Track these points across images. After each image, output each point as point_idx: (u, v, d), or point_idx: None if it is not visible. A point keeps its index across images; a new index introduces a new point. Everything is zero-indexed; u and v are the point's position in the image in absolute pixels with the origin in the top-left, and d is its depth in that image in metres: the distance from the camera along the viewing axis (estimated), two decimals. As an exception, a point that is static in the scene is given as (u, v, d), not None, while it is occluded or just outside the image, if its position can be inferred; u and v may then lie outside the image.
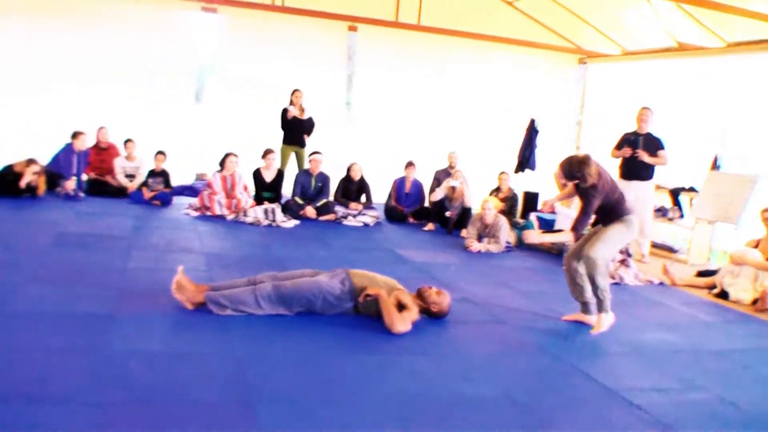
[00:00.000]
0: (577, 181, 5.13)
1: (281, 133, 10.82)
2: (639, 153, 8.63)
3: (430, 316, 5.16)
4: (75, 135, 9.92)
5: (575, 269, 5.37)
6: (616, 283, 7.28)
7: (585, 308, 5.46)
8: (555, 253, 8.50)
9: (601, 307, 5.20)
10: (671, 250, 9.60)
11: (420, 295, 5.12)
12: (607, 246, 5.13)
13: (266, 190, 9.76)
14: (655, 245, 9.54)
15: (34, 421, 2.96)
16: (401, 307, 4.87)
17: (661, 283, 7.58)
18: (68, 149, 9.93)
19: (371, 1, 12.07)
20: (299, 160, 10.90)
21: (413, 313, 4.89)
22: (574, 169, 5.07)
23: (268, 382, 3.65)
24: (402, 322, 4.73)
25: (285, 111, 10.65)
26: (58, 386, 3.33)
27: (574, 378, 4.24)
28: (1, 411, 3.02)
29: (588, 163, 5.03)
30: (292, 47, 12.04)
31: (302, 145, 10.87)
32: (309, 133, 10.84)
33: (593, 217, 5.29)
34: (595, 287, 5.15)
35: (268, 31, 11.91)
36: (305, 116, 10.63)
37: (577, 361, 4.53)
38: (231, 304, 4.73)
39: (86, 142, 10.13)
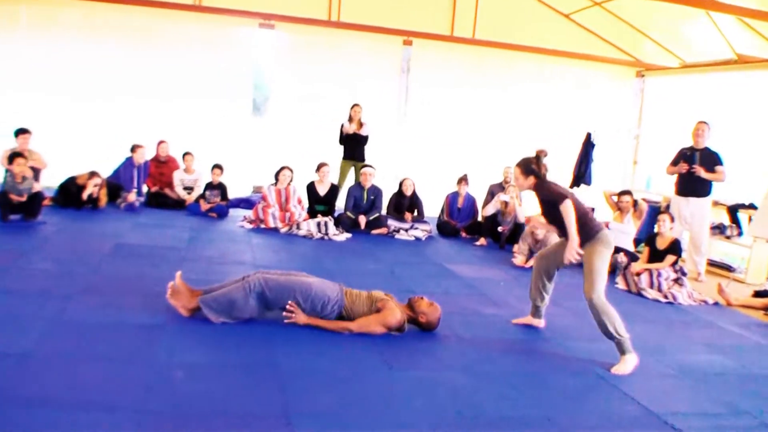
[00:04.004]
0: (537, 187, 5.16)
1: (339, 147, 10.90)
2: (695, 169, 8.48)
3: (418, 326, 5.13)
4: (134, 148, 10.26)
5: (542, 277, 5.49)
6: (669, 303, 7.18)
7: (536, 312, 5.64)
8: (607, 270, 8.39)
9: (621, 349, 4.84)
10: (729, 268, 9.40)
11: (410, 305, 5.13)
12: (599, 279, 4.93)
13: (319, 203, 9.86)
14: (711, 263, 9.35)
15: (80, 427, 3.09)
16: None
17: (715, 303, 7.43)
18: (128, 162, 10.26)
19: (426, 16, 12.17)
20: (358, 174, 10.91)
21: (385, 316, 4.92)
22: (531, 162, 5.17)
23: (308, 396, 3.72)
24: (351, 327, 4.87)
25: (342, 126, 10.73)
26: (104, 394, 3.47)
27: (616, 400, 4.20)
28: (50, 416, 3.16)
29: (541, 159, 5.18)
30: (348, 61, 12.23)
31: (361, 159, 10.85)
32: (365, 144, 10.84)
33: (553, 229, 5.35)
34: (606, 330, 4.81)
35: (323, 45, 12.13)
36: (364, 131, 10.65)
37: (622, 383, 4.48)
38: (222, 307, 4.78)
39: (145, 155, 10.45)
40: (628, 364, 4.77)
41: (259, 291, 4.80)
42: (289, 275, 5.08)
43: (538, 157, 5.21)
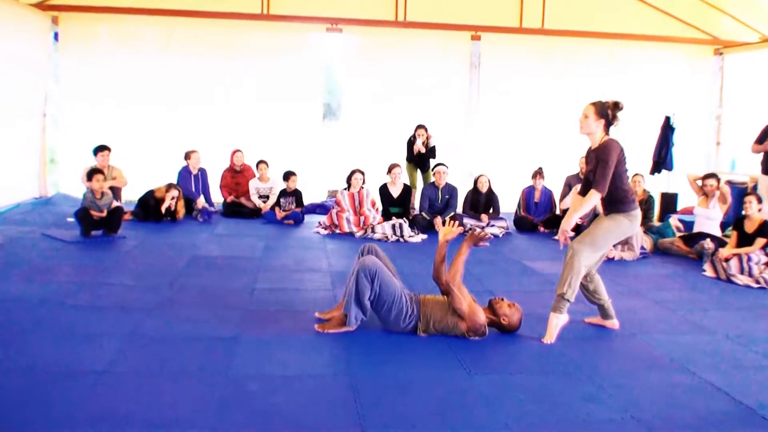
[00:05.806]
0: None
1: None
2: (783, 146, 8.15)
3: (500, 329, 4.99)
4: (187, 155, 10.43)
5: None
6: (761, 288, 6.85)
7: (603, 313, 5.30)
8: (694, 257, 8.11)
9: (557, 306, 4.93)
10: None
11: (491, 307, 4.99)
12: (595, 243, 4.98)
13: (393, 205, 9.81)
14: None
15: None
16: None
17: (813, 287, 7.07)
18: (184, 172, 10.41)
19: (493, 9, 12.01)
20: (425, 177, 10.86)
21: (474, 311, 4.81)
22: (608, 106, 5.05)
23: (383, 405, 3.65)
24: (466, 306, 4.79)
25: (411, 143, 10.66)
26: (181, 409, 3.47)
27: (708, 395, 3.99)
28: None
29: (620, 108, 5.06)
30: (417, 61, 12.17)
31: (425, 170, 10.81)
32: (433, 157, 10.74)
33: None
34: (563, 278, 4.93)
35: (392, 46, 12.11)
36: (431, 143, 10.57)
37: (713, 376, 4.26)
38: (356, 304, 4.75)
39: (200, 160, 10.55)
40: (554, 325, 4.92)
41: (372, 278, 4.72)
42: (393, 273, 5.02)
43: (617, 104, 5.08)
